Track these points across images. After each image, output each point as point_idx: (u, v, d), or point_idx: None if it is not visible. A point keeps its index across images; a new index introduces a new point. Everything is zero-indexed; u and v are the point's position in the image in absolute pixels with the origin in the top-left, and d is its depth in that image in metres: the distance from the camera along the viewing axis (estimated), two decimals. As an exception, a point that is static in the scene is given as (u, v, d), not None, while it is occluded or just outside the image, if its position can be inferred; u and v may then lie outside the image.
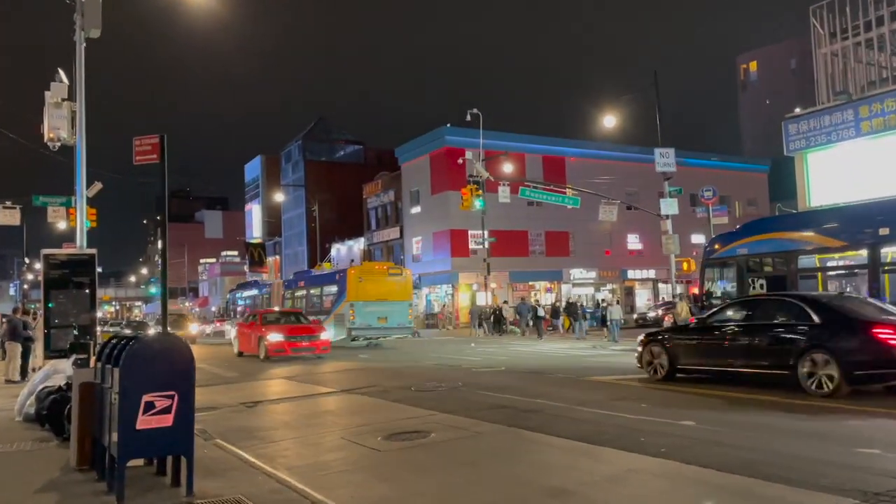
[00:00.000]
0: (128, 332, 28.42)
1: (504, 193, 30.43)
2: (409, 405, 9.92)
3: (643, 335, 13.03)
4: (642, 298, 50.73)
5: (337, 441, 7.65)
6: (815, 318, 9.82)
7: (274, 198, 71.17)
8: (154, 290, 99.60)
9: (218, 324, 46.77)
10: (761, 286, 14.26)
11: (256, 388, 13.51)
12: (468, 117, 34.62)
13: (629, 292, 50.42)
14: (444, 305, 45.61)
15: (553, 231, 46.94)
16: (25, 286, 57.16)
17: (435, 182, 46.42)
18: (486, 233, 36.23)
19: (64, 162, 15.24)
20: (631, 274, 50.60)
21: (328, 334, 20.84)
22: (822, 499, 4.83)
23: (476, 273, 39.57)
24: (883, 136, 19.47)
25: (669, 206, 25.21)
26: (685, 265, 27.33)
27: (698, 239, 47.95)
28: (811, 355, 9.55)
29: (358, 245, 57.22)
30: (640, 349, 12.68)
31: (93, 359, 8.32)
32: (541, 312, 31.63)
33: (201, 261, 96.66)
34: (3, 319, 18.65)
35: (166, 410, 5.15)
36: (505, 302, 38.74)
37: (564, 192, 31.11)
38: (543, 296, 46.44)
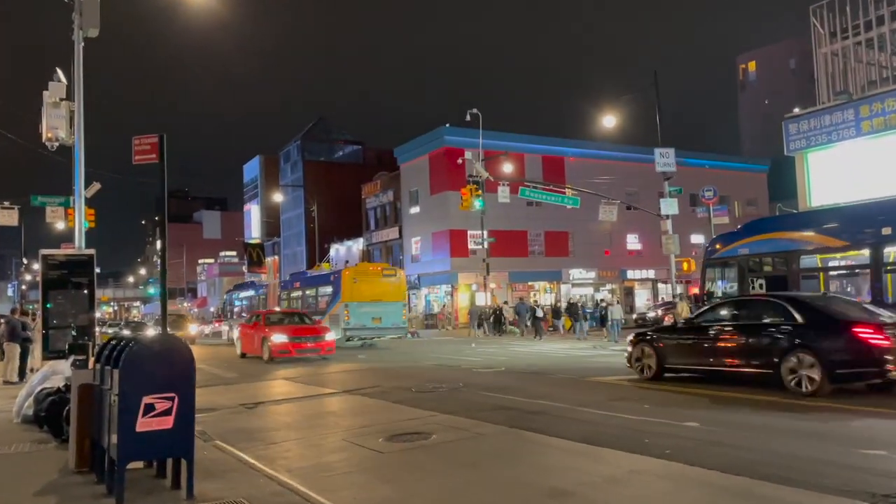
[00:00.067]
0: (126, 332, 28.35)
1: (504, 193, 30.38)
2: (410, 406, 9.88)
3: (633, 335, 13.18)
4: (642, 298, 50.72)
5: (338, 442, 7.60)
6: (799, 319, 9.99)
7: (273, 198, 71.06)
8: (153, 290, 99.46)
9: (216, 324, 46.71)
10: (763, 286, 14.23)
11: (256, 389, 13.45)
12: (468, 117, 34.57)
13: (629, 292, 50.40)
14: (443, 306, 45.57)
15: (552, 231, 46.90)
16: (24, 287, 57.08)
17: (434, 182, 46.37)
18: (485, 233, 36.18)
19: (62, 162, 15.19)
20: (630, 274, 50.57)
21: (332, 335, 20.62)
22: (828, 500, 4.80)
23: (475, 273, 39.53)
24: (883, 135, 19.43)
25: (669, 206, 25.16)
26: (685, 265, 27.28)
27: (697, 239, 47.98)
28: (794, 355, 9.72)
29: (357, 245, 57.16)
30: (629, 349, 12.86)
31: (91, 360, 8.27)
32: (539, 313, 31.65)
33: (200, 261, 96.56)
34: (2, 320, 18.57)
35: (166, 412, 5.10)
36: (505, 302, 38.72)
37: (564, 192, 31.06)
38: (543, 296, 46.43)
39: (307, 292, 30.97)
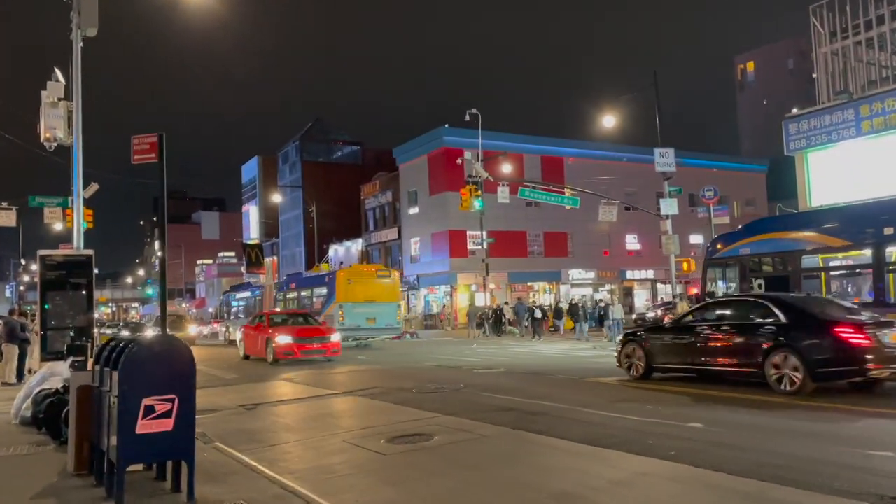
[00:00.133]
0: (125, 333, 28.26)
1: (503, 194, 30.32)
2: (411, 407, 9.82)
3: (622, 335, 13.35)
4: (641, 299, 50.70)
5: (339, 444, 7.53)
6: (782, 319, 10.16)
7: (271, 199, 70.95)
8: (151, 291, 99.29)
9: (215, 325, 46.63)
10: (764, 286, 14.18)
11: (256, 390, 13.37)
12: (467, 117, 34.50)
13: (628, 293, 50.39)
14: (443, 307, 45.52)
15: (552, 232, 46.86)
16: (22, 288, 56.94)
17: (433, 182, 46.32)
18: (484, 233, 36.13)
19: (60, 163, 15.12)
20: (629, 274, 50.55)
21: (337, 336, 20.34)
22: (836, 503, 4.74)
23: (475, 274, 39.48)
24: (884, 135, 19.39)
25: (669, 206, 25.10)
26: (685, 265, 27.23)
27: (697, 239, 48.00)
28: (778, 354, 9.90)
29: (356, 246, 57.09)
30: (619, 349, 13.10)
31: (90, 361, 8.20)
32: (538, 314, 31.65)
33: (198, 262, 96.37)
34: (0, 321, 18.47)
35: (167, 414, 5.03)
36: (506, 303, 38.68)
37: (563, 193, 31.01)
38: (542, 296, 46.40)
39: (303, 293, 31.20)
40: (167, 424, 5.04)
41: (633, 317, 39.78)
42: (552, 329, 33.67)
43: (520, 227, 45.14)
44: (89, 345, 10.41)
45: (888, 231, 11.92)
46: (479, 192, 29.98)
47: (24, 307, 28.03)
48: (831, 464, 5.82)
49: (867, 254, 12.45)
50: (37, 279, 11.64)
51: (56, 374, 8.96)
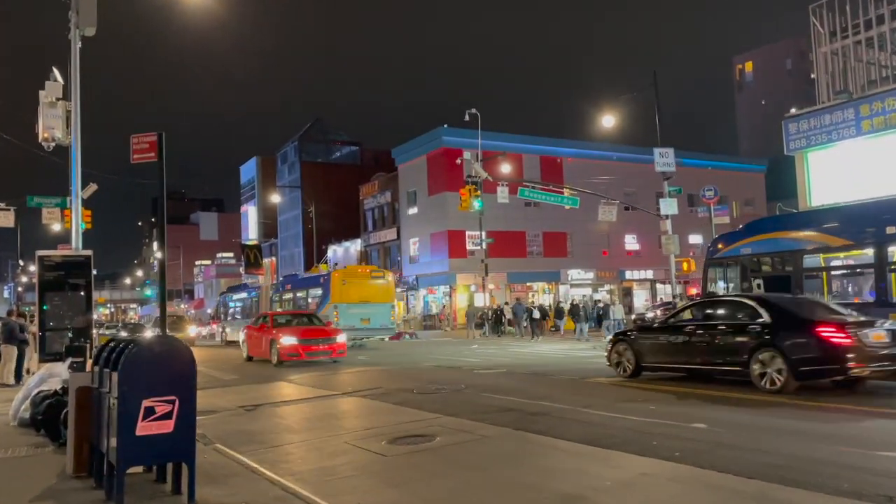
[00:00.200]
0: (124, 334, 28.19)
1: (503, 194, 30.28)
2: (412, 408, 9.77)
3: (612, 335, 13.57)
4: (640, 299, 50.66)
5: (340, 445, 7.47)
6: (766, 318, 10.35)
7: (270, 199, 70.85)
8: (149, 292, 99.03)
9: (213, 326, 46.61)
10: (765, 286, 14.14)
11: (255, 391, 13.31)
12: (466, 117, 34.46)
13: (627, 293, 50.35)
14: (443, 307, 45.48)
15: (551, 232, 46.82)
16: (20, 289, 56.82)
17: (432, 183, 46.27)
18: (483, 234, 36.10)
19: (58, 164, 15.06)
20: (629, 274, 50.52)
21: (343, 337, 19.97)
22: (843, 504, 4.70)
23: (474, 274, 39.43)
24: (884, 134, 19.37)
25: (669, 206, 25.05)
26: (685, 265, 27.20)
27: (696, 239, 47.99)
28: (762, 353, 10.11)
29: (355, 246, 57.03)
30: (609, 348, 13.37)
31: (89, 362, 8.13)
32: (536, 314, 31.74)
33: (197, 263, 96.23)
34: None
35: (167, 416, 4.98)
36: (506, 303, 38.67)
37: (563, 193, 30.98)
38: (541, 296, 46.39)
39: (298, 294, 31.41)
40: (168, 426, 4.99)
41: (633, 317, 39.74)
42: (553, 329, 33.66)
43: (519, 228, 45.10)
44: (88, 346, 10.36)
45: (890, 230, 11.88)
46: (479, 192, 29.94)
47: (22, 308, 27.96)
48: (835, 464, 5.79)
49: (869, 253, 12.41)
50: (35, 280, 11.58)
51: (55, 376, 8.90)
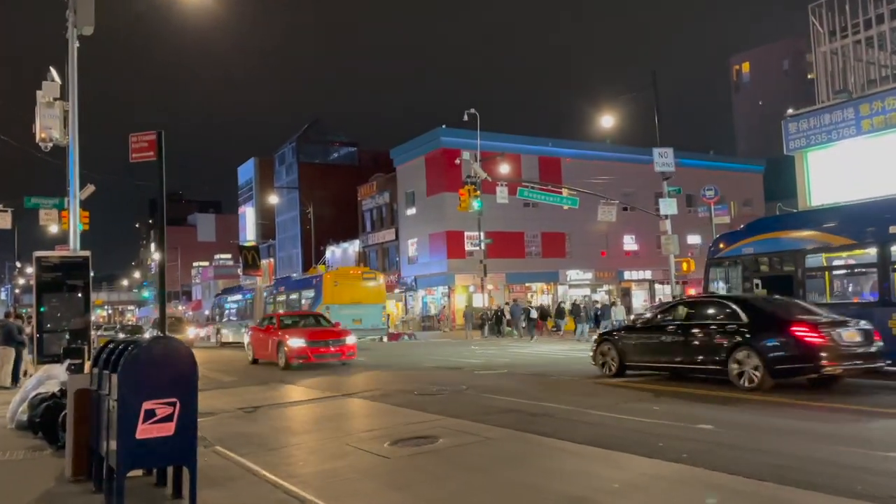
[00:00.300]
0: (122, 336, 28.05)
1: (502, 194, 30.20)
2: (414, 409, 9.68)
3: (597, 334, 14.12)
4: (639, 299, 50.61)
5: (342, 447, 7.39)
6: (744, 318, 10.69)
7: (268, 200, 70.74)
8: (147, 293, 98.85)
9: (211, 327, 46.57)
10: (767, 286, 14.07)
11: (255, 392, 13.22)
12: (465, 118, 34.41)
13: (626, 293, 50.28)
14: (442, 307, 45.41)
15: (549, 232, 46.77)
16: (17, 291, 56.60)
17: (430, 183, 46.19)
18: (482, 234, 36.04)
19: (55, 165, 14.96)
20: (627, 275, 50.47)
21: (353, 338, 19.33)
22: (857, 506, 4.63)
23: (472, 275, 39.34)
24: (884, 134, 19.32)
25: (668, 206, 25.03)
26: (684, 265, 27.14)
27: (694, 239, 47.97)
28: (739, 352, 10.44)
29: (353, 247, 56.92)
30: (594, 347, 13.71)
31: (87, 364, 8.05)
32: (533, 314, 31.79)
33: (194, 264, 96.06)
34: None
35: (168, 418, 4.89)
36: (507, 303, 38.65)
37: (562, 193, 30.94)
38: (539, 297, 46.34)
39: (291, 296, 31.56)
40: (168, 429, 4.90)
41: (632, 317, 39.69)
42: (554, 329, 33.64)
43: (517, 228, 45.04)
44: (86, 347, 10.26)
45: (893, 230, 11.81)
46: (478, 192, 29.87)
47: (19, 310, 27.83)
48: (858, 468, 5.70)
49: (871, 253, 12.32)
50: (32, 281, 11.48)
51: (53, 378, 8.80)
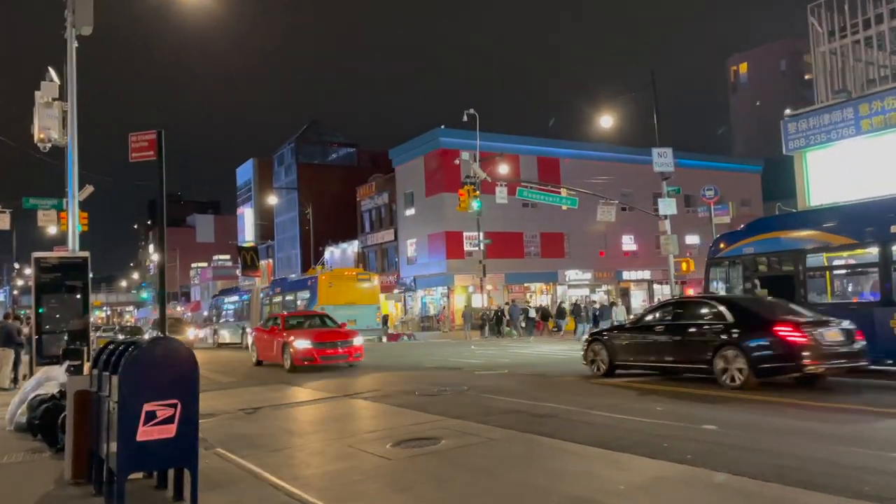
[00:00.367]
0: (121, 337, 27.96)
1: (501, 194, 30.16)
2: (415, 410, 9.64)
3: (588, 334, 14.31)
4: (637, 300, 50.59)
5: (344, 449, 7.34)
6: (729, 318, 10.91)
7: (266, 201, 70.65)
8: (145, 294, 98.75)
9: (208, 328, 46.55)
10: (767, 286, 14.04)
11: (255, 393, 13.16)
12: (465, 118, 34.37)
13: (624, 293, 50.28)
14: (442, 308, 45.38)
15: (548, 232, 46.76)
16: (15, 292, 56.49)
17: (429, 184, 46.16)
18: (481, 234, 36.01)
19: (53, 166, 14.88)
20: (626, 275, 50.47)
21: (360, 339, 18.94)
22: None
23: (472, 275, 39.30)
24: (883, 134, 19.30)
25: (668, 206, 24.99)
26: (683, 265, 27.13)
27: (692, 240, 47.96)
28: (725, 351, 10.64)
29: (352, 248, 56.86)
30: (584, 347, 13.92)
31: (87, 365, 7.99)
32: (532, 314, 31.80)
33: (193, 265, 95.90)
34: None
35: (169, 420, 4.85)
36: (507, 304, 38.63)
37: (561, 193, 30.92)
38: (538, 297, 46.32)
39: (287, 297, 31.70)
40: (169, 431, 4.86)
41: (631, 317, 39.69)
42: (555, 329, 33.64)
43: (516, 228, 45.01)
44: (85, 349, 10.20)
45: (895, 229, 11.79)
46: (478, 192, 29.84)
47: (17, 311, 27.74)
48: (865, 469, 5.65)
49: (873, 252, 12.30)
50: (31, 282, 11.42)
51: (52, 379, 8.75)
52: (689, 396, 10.24)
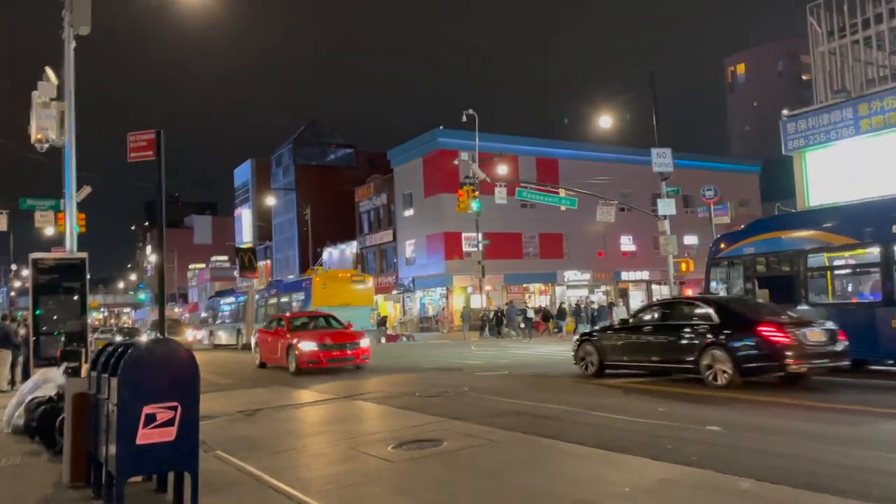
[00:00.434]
0: (119, 339, 27.89)
1: (500, 195, 30.09)
2: (416, 412, 9.57)
3: (578, 335, 14.54)
4: (636, 300, 50.55)
5: (345, 451, 7.28)
6: (715, 319, 11.10)
7: (264, 202, 70.58)
8: (143, 296, 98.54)
9: (205, 329, 46.49)
10: (767, 286, 14.01)
11: (254, 395, 13.09)
12: (464, 118, 34.34)
13: (623, 294, 50.29)
14: (441, 308, 45.33)
15: (547, 233, 46.74)
16: (13, 293, 56.36)
17: (428, 184, 46.11)
18: (480, 235, 35.96)
19: (49, 167, 14.82)
20: (625, 276, 50.46)
21: (367, 340, 18.44)
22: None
23: (470, 276, 39.27)
24: (883, 133, 19.29)
25: (667, 207, 24.96)
26: (683, 266, 27.10)
27: (691, 240, 47.97)
28: (710, 351, 10.83)
29: (350, 249, 56.79)
30: (575, 347, 14.02)
31: (85, 367, 7.92)
32: (530, 314, 31.78)
33: (190, 266, 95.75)
34: None
35: (169, 423, 4.78)
36: (507, 304, 38.59)
37: (560, 193, 30.89)
38: (537, 298, 46.28)
39: (282, 299, 31.70)
40: (169, 433, 4.79)
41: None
42: (555, 330, 33.61)
43: (515, 229, 44.98)
44: (83, 350, 10.13)
45: (897, 229, 11.76)
46: (477, 193, 29.79)
47: (13, 313, 27.63)
48: (874, 471, 5.60)
49: (874, 252, 12.27)
50: (28, 284, 11.35)
51: (49, 381, 8.67)
52: (679, 396, 10.31)
